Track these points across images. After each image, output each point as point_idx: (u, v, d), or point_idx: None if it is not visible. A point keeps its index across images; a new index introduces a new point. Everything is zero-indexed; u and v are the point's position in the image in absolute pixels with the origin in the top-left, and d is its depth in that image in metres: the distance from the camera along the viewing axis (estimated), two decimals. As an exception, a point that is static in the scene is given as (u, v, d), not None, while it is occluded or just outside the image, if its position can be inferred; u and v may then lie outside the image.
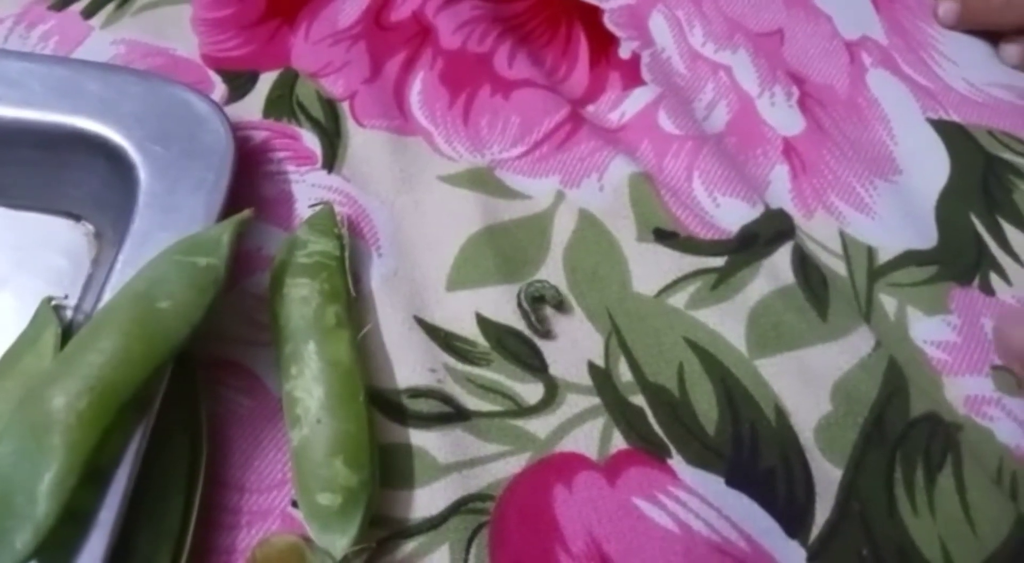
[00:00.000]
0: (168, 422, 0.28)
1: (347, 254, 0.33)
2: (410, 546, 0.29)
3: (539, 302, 0.33)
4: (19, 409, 0.26)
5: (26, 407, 0.26)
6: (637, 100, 0.39)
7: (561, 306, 0.33)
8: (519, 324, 0.33)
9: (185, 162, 0.32)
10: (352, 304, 0.32)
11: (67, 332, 0.31)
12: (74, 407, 0.25)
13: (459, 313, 0.34)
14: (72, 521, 0.25)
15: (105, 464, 0.26)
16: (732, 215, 0.36)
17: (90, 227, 0.34)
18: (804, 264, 0.35)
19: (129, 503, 0.26)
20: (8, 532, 0.24)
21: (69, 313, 0.32)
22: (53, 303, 0.31)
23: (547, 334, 0.33)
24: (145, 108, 0.33)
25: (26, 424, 0.25)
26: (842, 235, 0.36)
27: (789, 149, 0.38)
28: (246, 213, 0.30)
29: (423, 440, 0.31)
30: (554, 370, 0.33)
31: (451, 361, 0.33)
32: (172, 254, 0.29)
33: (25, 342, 0.30)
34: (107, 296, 0.29)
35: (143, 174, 0.32)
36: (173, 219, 0.31)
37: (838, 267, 0.35)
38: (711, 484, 0.31)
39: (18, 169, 0.34)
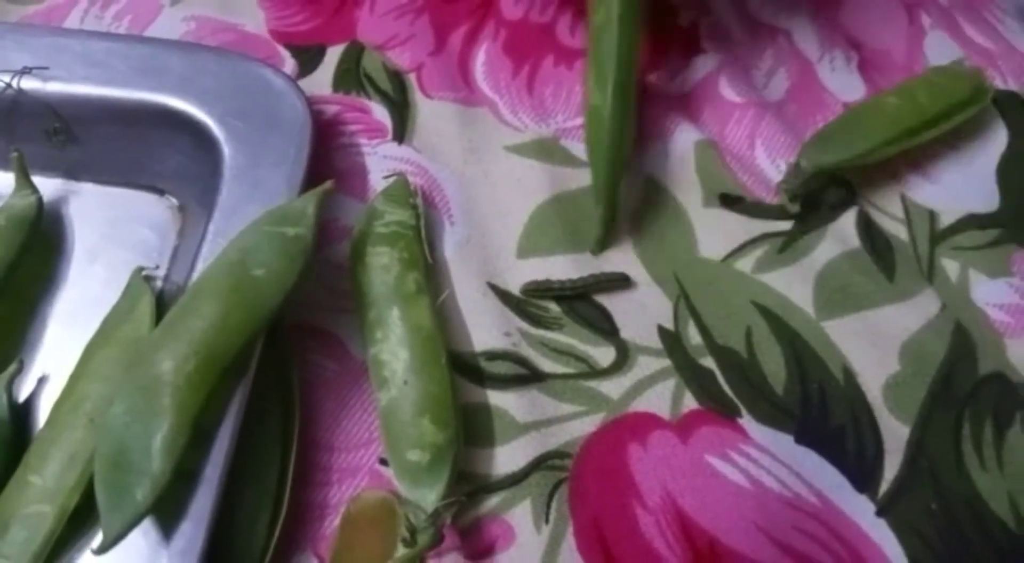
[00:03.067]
0: (262, 385, 0.30)
1: (422, 223, 0.34)
2: (493, 500, 0.30)
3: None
4: (129, 373, 0.27)
5: (136, 371, 0.27)
6: (698, 68, 0.39)
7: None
8: (589, 290, 0.34)
9: (265, 137, 0.33)
10: (429, 271, 0.33)
11: (158, 300, 0.32)
12: (182, 370, 0.27)
13: (531, 279, 0.34)
14: (181, 479, 0.27)
15: (209, 425, 0.28)
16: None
17: (174, 201, 0.36)
18: (869, 228, 0.35)
19: (231, 462, 0.28)
20: (129, 487, 0.25)
21: (159, 283, 0.33)
22: (144, 273, 0.33)
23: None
24: (224, 84, 0.35)
25: (137, 387, 0.27)
26: (903, 199, 0.36)
27: (850, 113, 0.38)
28: (328, 185, 0.31)
29: (501, 400, 0.32)
30: (625, 333, 0.34)
31: (524, 325, 0.34)
32: (262, 225, 0.30)
33: (121, 311, 0.31)
34: (199, 266, 0.31)
35: (226, 149, 0.33)
36: (257, 192, 0.32)
37: (900, 231, 0.35)
38: (781, 442, 0.32)
39: (104, 146, 0.35)
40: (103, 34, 0.37)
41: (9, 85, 0.33)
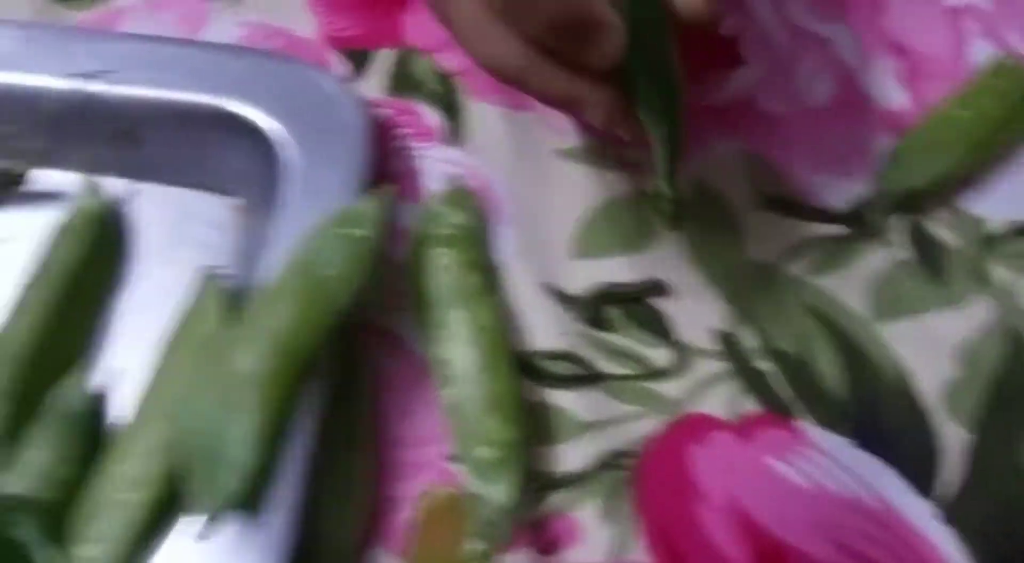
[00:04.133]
0: (334, 384, 0.30)
1: (480, 225, 0.35)
2: (559, 498, 0.31)
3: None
4: (212, 370, 0.28)
5: (219, 368, 0.28)
6: (739, 80, 0.39)
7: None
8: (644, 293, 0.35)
9: (323, 140, 0.34)
10: (488, 272, 0.34)
11: (226, 298, 0.32)
12: (264, 366, 0.27)
13: (585, 281, 0.35)
14: (268, 471, 0.27)
15: (289, 420, 0.28)
16: (841, 193, 0.37)
17: (235, 201, 0.36)
18: (920, 235, 0.36)
19: (312, 456, 0.29)
20: (220, 479, 0.26)
21: (225, 281, 0.34)
22: (210, 272, 0.33)
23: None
24: (282, 88, 0.35)
25: (222, 383, 0.28)
26: (951, 206, 0.37)
27: (895, 122, 0.38)
28: (389, 188, 0.32)
29: (563, 400, 0.33)
30: (680, 336, 0.34)
31: (581, 326, 0.34)
32: (329, 226, 0.31)
33: (193, 309, 0.32)
34: (264, 264, 0.32)
35: (286, 152, 0.34)
36: (318, 194, 0.33)
37: (950, 238, 0.36)
38: (840, 444, 0.32)
39: (168, 148, 0.36)
40: (165, 38, 0.38)
41: (78, 89, 0.34)
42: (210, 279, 0.33)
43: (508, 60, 0.29)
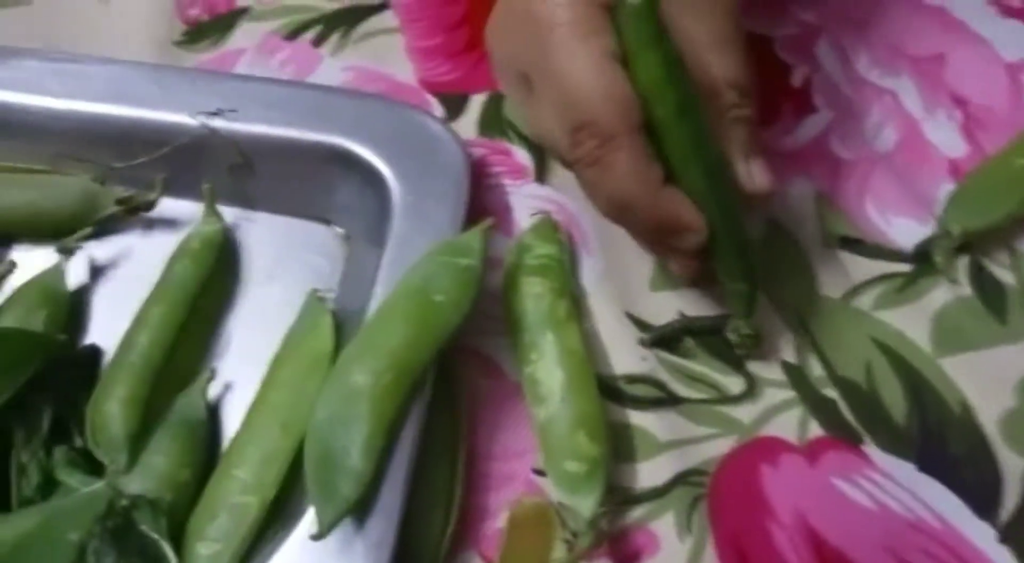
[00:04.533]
0: (434, 399, 0.33)
1: (567, 257, 0.38)
2: (639, 511, 0.33)
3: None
4: (331, 384, 0.31)
5: (336, 382, 0.31)
6: (810, 127, 0.42)
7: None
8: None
9: (428, 176, 0.37)
10: (575, 300, 0.37)
11: (334, 320, 0.35)
12: (379, 382, 0.30)
13: (664, 311, 0.38)
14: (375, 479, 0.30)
15: (397, 432, 0.31)
16: (905, 234, 0.39)
17: (340, 230, 0.39)
18: (980, 275, 0.38)
19: (414, 465, 0.31)
20: (336, 483, 0.29)
21: (330, 304, 0.37)
22: (318, 295, 0.37)
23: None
24: (390, 128, 0.38)
25: (338, 396, 0.30)
26: (1010, 248, 0.39)
27: (955, 169, 0.41)
28: (489, 221, 0.35)
29: (642, 420, 0.35)
30: (752, 365, 0.36)
31: (660, 352, 0.37)
32: (437, 256, 0.34)
33: (303, 328, 0.35)
34: (378, 289, 0.34)
35: (395, 187, 0.37)
36: (425, 226, 0.36)
37: (1009, 278, 0.38)
38: (903, 469, 0.34)
39: (279, 180, 0.39)
40: (281, 81, 0.42)
41: (204, 125, 0.38)
42: (318, 301, 0.36)
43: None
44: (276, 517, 0.31)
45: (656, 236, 0.34)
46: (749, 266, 0.35)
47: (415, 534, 0.31)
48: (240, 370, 0.36)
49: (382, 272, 0.35)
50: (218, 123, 0.38)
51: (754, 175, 0.34)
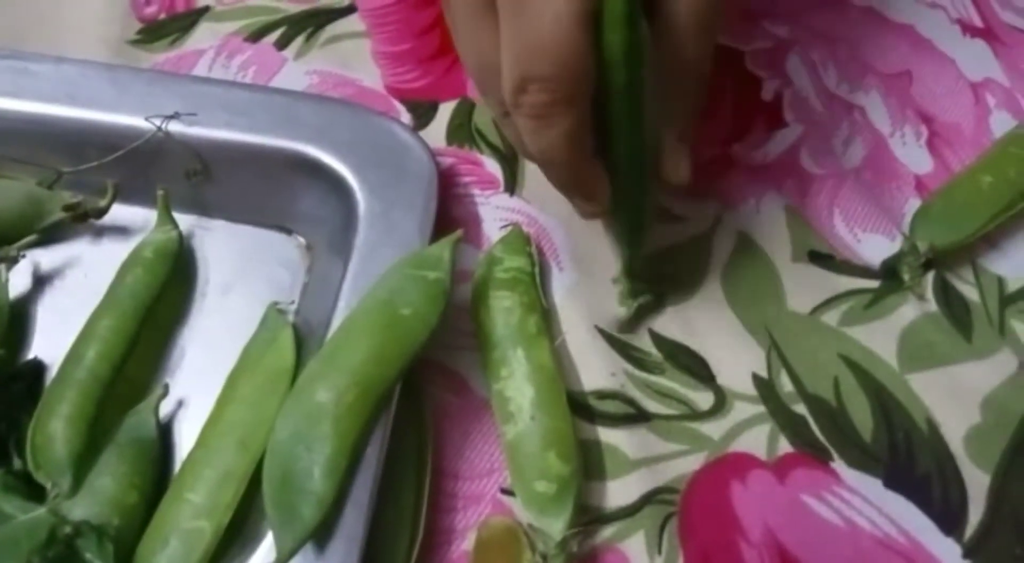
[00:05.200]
0: (399, 416, 0.32)
1: (537, 270, 0.37)
2: (608, 531, 0.33)
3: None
4: (292, 401, 0.30)
5: (298, 399, 0.30)
6: (781, 141, 0.42)
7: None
8: (687, 340, 0.37)
9: (396, 186, 0.36)
10: (545, 314, 0.36)
11: (294, 333, 0.34)
12: (342, 399, 0.29)
13: (634, 326, 0.37)
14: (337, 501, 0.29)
15: (360, 451, 0.30)
16: (873, 249, 0.39)
17: (301, 240, 0.38)
18: (946, 291, 0.38)
19: (378, 486, 0.30)
20: (296, 507, 0.28)
21: (291, 317, 0.36)
22: (278, 308, 0.35)
23: None
24: (356, 135, 0.37)
25: (300, 414, 0.29)
26: (974, 265, 0.39)
27: (921, 185, 0.41)
28: (458, 233, 0.34)
29: (612, 437, 0.35)
30: (721, 380, 0.36)
31: (630, 368, 0.36)
32: (404, 268, 0.33)
33: (262, 341, 0.34)
34: (341, 302, 0.33)
35: (361, 196, 0.36)
36: (392, 237, 0.35)
37: (972, 294, 0.38)
38: (871, 485, 0.34)
39: (239, 188, 0.38)
40: (243, 84, 0.40)
41: (159, 128, 0.36)
42: (278, 314, 0.35)
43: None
44: (232, 543, 0.30)
45: (564, 189, 0.34)
46: (637, 245, 0.36)
47: (379, 558, 0.30)
48: (195, 386, 0.34)
49: (346, 284, 0.34)
50: (175, 127, 0.37)
51: (679, 167, 0.34)
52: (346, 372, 0.30)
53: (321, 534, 0.28)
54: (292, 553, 0.27)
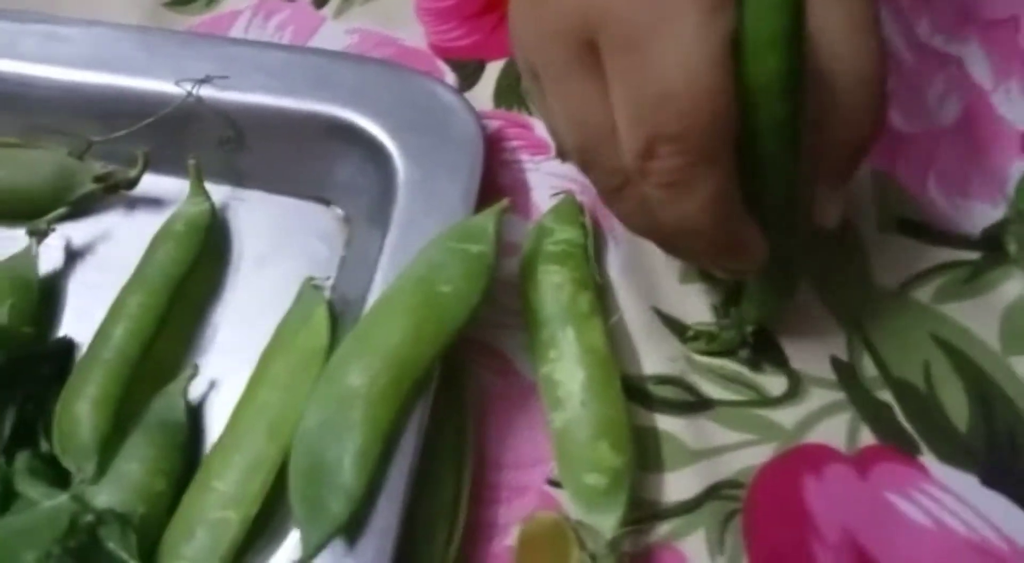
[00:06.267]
0: (438, 401, 0.30)
1: (590, 243, 0.34)
2: (665, 528, 0.30)
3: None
4: (322, 385, 0.28)
5: (329, 384, 0.27)
6: (866, 96, 0.38)
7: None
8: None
9: (438, 151, 0.34)
10: (599, 292, 0.33)
11: (330, 310, 0.32)
12: (375, 384, 0.27)
13: (695, 305, 0.34)
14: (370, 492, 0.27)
15: (395, 439, 0.28)
16: (973, 217, 0.35)
17: (340, 212, 0.36)
18: (1058, 263, 0.34)
19: (415, 476, 0.28)
20: (325, 499, 0.26)
21: (328, 293, 0.34)
22: (313, 283, 0.33)
23: None
24: (396, 98, 0.35)
25: (331, 400, 0.27)
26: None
27: (1027, 143, 0.37)
28: (505, 202, 0.31)
29: (671, 425, 0.32)
30: (796, 363, 0.33)
31: (691, 352, 0.33)
32: (446, 241, 0.30)
33: (296, 319, 0.32)
34: (378, 277, 0.31)
35: (400, 163, 0.33)
36: (434, 206, 0.32)
37: (1091, 265, 0.34)
38: (965, 483, 0.30)
39: (274, 156, 0.36)
40: (278, 45, 0.38)
41: (190, 93, 0.34)
42: (314, 290, 0.32)
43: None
44: (260, 534, 0.28)
45: (711, 258, 0.28)
46: (789, 294, 0.32)
47: (415, 554, 0.28)
48: (227, 367, 0.33)
49: (384, 258, 0.31)
50: (207, 92, 0.35)
51: (830, 209, 0.28)
52: (379, 354, 0.27)
53: (352, 528, 0.26)
54: (318, 550, 0.25)
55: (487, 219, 0.31)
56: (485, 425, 0.32)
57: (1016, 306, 0.33)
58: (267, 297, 0.34)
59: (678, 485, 0.31)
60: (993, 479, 0.30)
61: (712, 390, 0.32)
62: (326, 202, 0.36)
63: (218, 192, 0.36)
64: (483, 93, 0.39)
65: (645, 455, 0.31)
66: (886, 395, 0.32)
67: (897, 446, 0.31)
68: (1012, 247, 0.34)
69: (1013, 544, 0.29)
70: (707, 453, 0.31)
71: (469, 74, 0.39)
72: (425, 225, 0.32)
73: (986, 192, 0.35)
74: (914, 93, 0.38)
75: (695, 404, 0.32)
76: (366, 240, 0.34)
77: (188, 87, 0.34)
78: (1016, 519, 0.30)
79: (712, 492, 0.30)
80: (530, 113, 0.38)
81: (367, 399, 0.27)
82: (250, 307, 0.34)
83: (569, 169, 0.37)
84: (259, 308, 0.33)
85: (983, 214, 0.35)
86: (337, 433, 0.26)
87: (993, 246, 0.34)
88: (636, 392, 0.32)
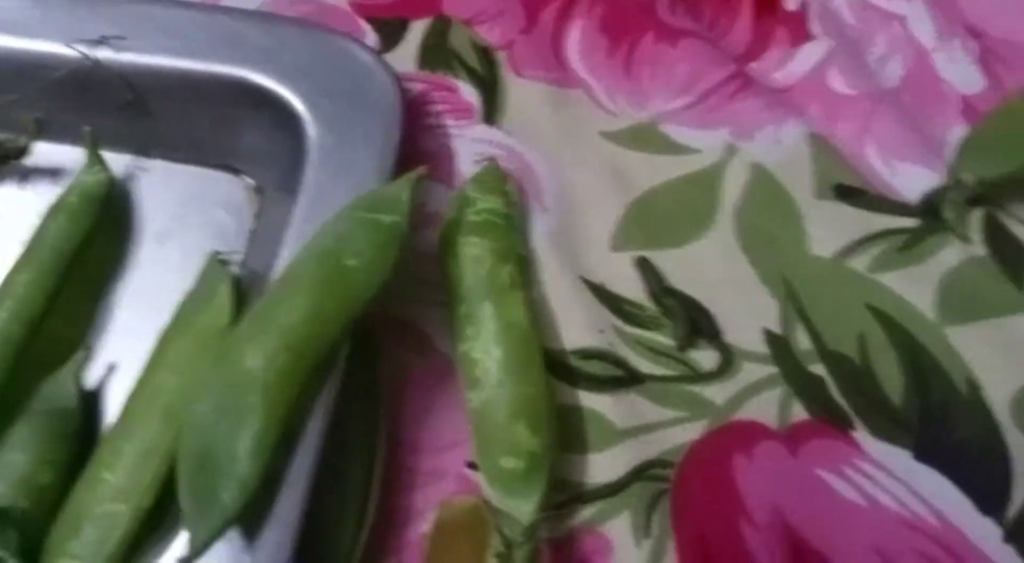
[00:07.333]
0: (347, 382, 0.28)
1: (515, 212, 0.32)
2: (589, 511, 0.29)
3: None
4: (215, 368, 0.26)
5: (224, 366, 0.26)
6: (805, 57, 0.37)
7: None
8: (690, 290, 0.32)
9: (353, 116, 0.32)
10: (522, 263, 0.31)
11: (236, 287, 0.30)
12: (272, 366, 0.25)
13: (626, 275, 0.32)
14: (268, 481, 0.25)
15: (296, 424, 0.26)
16: (911, 183, 0.34)
17: (250, 181, 0.34)
18: (995, 231, 0.33)
19: (318, 464, 0.26)
20: (216, 491, 0.24)
21: (235, 268, 0.32)
22: (220, 258, 0.31)
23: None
24: (309, 59, 0.33)
25: (225, 383, 0.25)
26: (1031, 200, 0.34)
27: (968, 108, 0.35)
28: (421, 170, 0.30)
29: (597, 403, 0.30)
30: (728, 337, 0.31)
31: (619, 323, 0.32)
32: (355, 211, 0.28)
33: (198, 298, 0.30)
34: (283, 252, 0.29)
35: (312, 128, 0.31)
36: (346, 175, 0.31)
37: (1027, 233, 0.33)
38: (898, 458, 0.29)
39: (179, 122, 0.34)
40: (182, 3, 0.35)
41: (85, 55, 0.32)
42: (219, 266, 0.30)
43: None
44: (155, 528, 0.26)
45: None
46: None
47: (321, 544, 0.26)
48: (127, 349, 0.30)
49: (291, 230, 0.29)
50: (104, 53, 0.32)
51: None
52: (278, 334, 0.25)
53: (250, 520, 0.25)
54: (207, 545, 0.23)
55: (401, 187, 0.29)
56: (402, 406, 0.30)
57: (953, 275, 0.32)
58: (170, 274, 0.31)
59: (603, 466, 0.29)
60: (926, 453, 0.30)
61: (641, 364, 0.31)
62: (235, 171, 0.34)
63: (118, 161, 0.33)
64: (406, 54, 0.37)
65: (568, 435, 0.30)
66: (819, 369, 0.31)
67: (830, 421, 0.30)
68: (950, 214, 0.33)
69: (944, 519, 0.28)
70: (634, 431, 0.30)
71: (391, 34, 0.37)
72: (337, 194, 0.30)
73: (925, 157, 0.34)
74: (855, 53, 0.36)
75: (623, 379, 0.31)
76: (278, 212, 0.32)
77: (82, 49, 0.32)
78: (948, 494, 0.29)
79: (639, 473, 0.29)
80: (456, 75, 0.36)
81: (264, 382, 0.25)
82: (152, 285, 0.32)
83: (496, 134, 0.35)
84: (162, 286, 0.31)
85: (921, 180, 0.34)
86: (231, 418, 0.24)
87: (931, 213, 0.33)
88: (560, 368, 0.31)
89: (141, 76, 0.33)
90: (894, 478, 0.29)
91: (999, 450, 0.29)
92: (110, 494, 0.26)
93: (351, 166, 0.31)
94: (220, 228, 0.33)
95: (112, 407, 0.29)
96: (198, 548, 0.23)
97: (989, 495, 0.29)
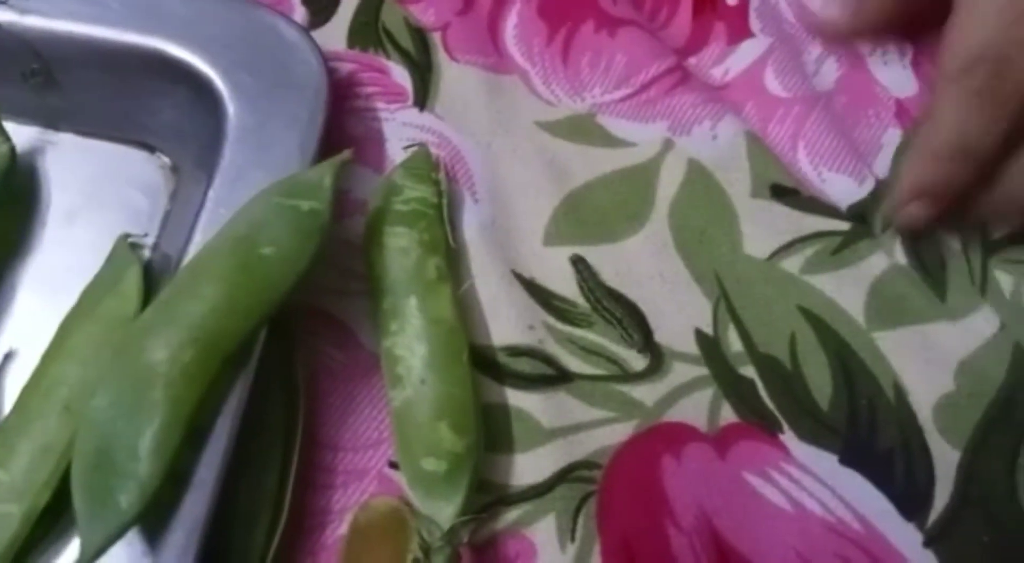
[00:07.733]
0: (262, 376, 0.26)
1: (445, 202, 0.31)
2: (514, 514, 0.28)
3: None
4: (116, 360, 0.24)
5: (124, 358, 0.24)
6: (744, 55, 0.36)
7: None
8: (622, 288, 0.32)
9: (275, 94, 0.30)
10: (451, 256, 0.30)
11: (146, 273, 0.28)
12: (177, 360, 0.23)
13: (558, 270, 0.32)
14: (172, 482, 0.24)
15: (204, 422, 0.24)
16: (839, 192, 0.33)
17: (166, 160, 0.32)
18: (917, 242, 0.32)
19: (228, 463, 0.25)
20: (112, 491, 0.22)
21: (147, 252, 0.30)
22: (130, 241, 0.29)
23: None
24: (231, 32, 0.31)
25: (125, 377, 0.23)
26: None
27: (902, 111, 0.35)
28: (346, 154, 0.28)
29: (524, 402, 0.29)
30: (659, 336, 0.31)
31: (551, 320, 0.31)
32: (272, 196, 0.27)
33: (104, 283, 0.28)
34: (196, 237, 0.28)
35: (231, 106, 0.30)
36: (265, 156, 0.29)
37: (953, 242, 0.33)
38: (824, 462, 0.29)
39: (89, 94, 0.32)
40: (93, -35, 0.33)
41: (-18, 18, 0.30)
42: (129, 249, 0.29)
43: None
44: (51, 530, 0.24)
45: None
46: None
47: (231, 548, 0.25)
48: (28, 335, 0.29)
49: (205, 214, 0.28)
50: (5, 16, 0.30)
51: None
52: (184, 326, 0.24)
53: (153, 522, 0.23)
54: (101, 550, 0.22)
55: (323, 172, 0.27)
56: (321, 403, 0.29)
57: (882, 280, 0.32)
58: (77, 256, 0.30)
59: (529, 467, 0.28)
60: (851, 457, 0.29)
61: (571, 362, 0.30)
62: (149, 148, 0.32)
63: (24, 134, 0.31)
64: (336, 31, 0.35)
65: (494, 434, 0.29)
66: (749, 371, 0.31)
67: (758, 424, 0.30)
68: (875, 224, 0.32)
69: (868, 525, 0.28)
70: (562, 432, 0.29)
71: (322, 9, 0.36)
72: (255, 177, 0.28)
73: (854, 167, 0.33)
74: (793, 52, 0.36)
75: (552, 378, 0.30)
76: (194, 192, 0.30)
77: (-19, 10, 0.30)
78: (871, 499, 0.29)
79: (566, 474, 0.28)
80: (388, 56, 0.35)
81: (168, 377, 0.23)
82: (57, 267, 0.30)
83: (428, 119, 0.34)
84: (68, 268, 0.30)
85: (849, 190, 0.33)
86: (131, 415, 0.23)
87: (863, 217, 0.33)
88: (488, 365, 0.30)
89: (48, 43, 0.30)
90: (819, 482, 0.29)
91: (923, 456, 0.29)
92: (2, 494, 0.24)
93: (272, 147, 0.29)
94: (132, 208, 0.31)
95: (7, 398, 0.28)
96: (90, 553, 0.21)
97: (912, 500, 0.29)
